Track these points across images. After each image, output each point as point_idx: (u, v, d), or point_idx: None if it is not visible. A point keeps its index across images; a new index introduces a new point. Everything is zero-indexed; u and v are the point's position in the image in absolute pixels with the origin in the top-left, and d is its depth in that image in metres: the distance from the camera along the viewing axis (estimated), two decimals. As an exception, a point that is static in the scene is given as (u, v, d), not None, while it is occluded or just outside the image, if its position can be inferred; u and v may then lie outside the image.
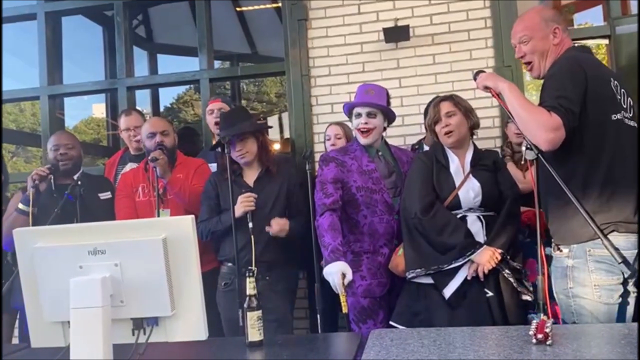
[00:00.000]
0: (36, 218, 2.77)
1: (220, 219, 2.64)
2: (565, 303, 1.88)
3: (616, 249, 1.55)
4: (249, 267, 2.49)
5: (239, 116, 2.78)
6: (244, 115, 2.80)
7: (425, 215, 2.33)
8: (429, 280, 2.33)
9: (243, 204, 2.57)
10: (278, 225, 2.59)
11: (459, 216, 2.36)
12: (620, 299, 1.81)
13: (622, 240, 1.78)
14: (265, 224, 2.60)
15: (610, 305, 1.79)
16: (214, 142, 3.66)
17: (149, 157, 2.73)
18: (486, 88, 2.00)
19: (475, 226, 2.35)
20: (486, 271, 2.24)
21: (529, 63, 2.03)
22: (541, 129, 1.76)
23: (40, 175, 2.77)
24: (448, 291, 2.28)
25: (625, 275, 1.80)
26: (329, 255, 2.37)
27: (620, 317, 1.81)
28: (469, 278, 2.26)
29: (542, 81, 1.98)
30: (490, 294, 2.27)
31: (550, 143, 1.76)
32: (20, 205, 2.78)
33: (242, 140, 2.65)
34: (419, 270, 2.32)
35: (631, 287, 1.83)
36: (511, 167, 2.52)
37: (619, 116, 1.88)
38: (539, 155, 1.75)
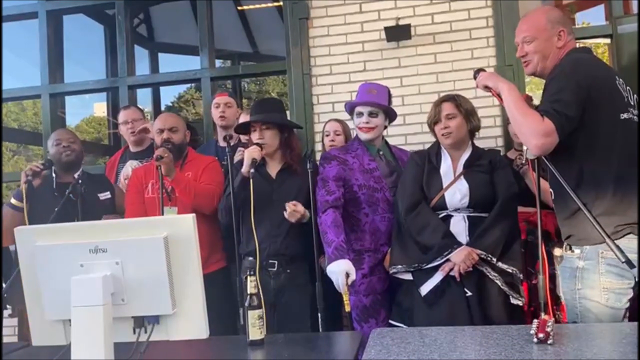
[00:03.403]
0: (31, 214, 2.73)
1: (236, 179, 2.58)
2: (571, 304, 1.86)
3: (619, 248, 1.55)
4: (252, 268, 2.49)
5: (271, 107, 2.75)
6: (276, 107, 2.75)
7: (408, 214, 2.37)
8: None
9: (250, 152, 2.53)
10: (294, 207, 2.50)
11: (442, 215, 2.37)
12: (628, 303, 1.80)
13: (636, 244, 1.76)
14: (284, 217, 2.58)
15: (617, 309, 1.78)
16: (215, 137, 3.67)
17: (154, 156, 2.72)
18: (486, 88, 2.00)
19: (459, 226, 2.35)
20: (462, 271, 2.24)
21: (527, 61, 2.01)
22: (532, 134, 1.76)
23: (34, 171, 2.75)
24: (424, 289, 2.30)
25: (637, 279, 1.78)
26: (333, 253, 2.36)
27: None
28: (442, 275, 2.27)
29: (541, 79, 1.98)
30: (469, 293, 2.27)
31: (540, 149, 1.76)
32: (13, 200, 2.76)
33: (264, 130, 2.63)
34: (400, 266, 2.36)
35: None
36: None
37: (627, 115, 1.86)
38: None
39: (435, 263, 2.28)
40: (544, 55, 1.96)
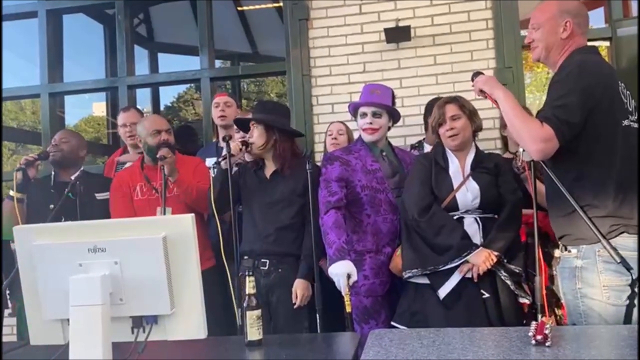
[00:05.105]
0: (30, 209, 2.87)
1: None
2: (574, 304, 1.86)
3: (615, 249, 1.55)
4: (251, 268, 2.49)
5: (269, 108, 2.78)
6: (273, 109, 2.77)
7: (422, 216, 2.34)
8: (426, 281, 2.34)
9: (232, 145, 2.56)
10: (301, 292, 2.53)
11: (455, 217, 2.37)
12: (628, 300, 1.80)
13: (632, 242, 1.77)
14: (277, 217, 2.59)
15: (619, 306, 1.78)
16: (214, 139, 3.67)
17: (158, 156, 2.71)
18: (481, 92, 2.00)
19: (472, 228, 2.36)
20: (481, 272, 2.25)
21: (534, 47, 2.00)
22: (532, 139, 1.77)
23: (27, 160, 2.87)
24: (443, 291, 2.29)
25: (634, 276, 1.78)
26: (335, 254, 2.37)
27: (627, 318, 1.79)
28: (460, 276, 2.27)
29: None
30: (486, 295, 2.28)
31: (540, 154, 1.77)
32: (11, 192, 2.87)
33: (253, 128, 2.64)
34: (415, 270, 2.33)
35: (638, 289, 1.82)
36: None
37: (627, 122, 1.86)
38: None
39: (454, 264, 2.27)
40: (547, 45, 1.95)
